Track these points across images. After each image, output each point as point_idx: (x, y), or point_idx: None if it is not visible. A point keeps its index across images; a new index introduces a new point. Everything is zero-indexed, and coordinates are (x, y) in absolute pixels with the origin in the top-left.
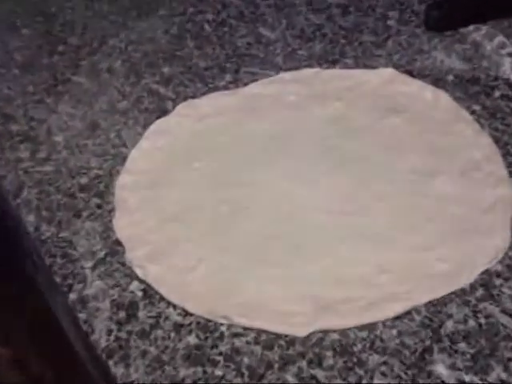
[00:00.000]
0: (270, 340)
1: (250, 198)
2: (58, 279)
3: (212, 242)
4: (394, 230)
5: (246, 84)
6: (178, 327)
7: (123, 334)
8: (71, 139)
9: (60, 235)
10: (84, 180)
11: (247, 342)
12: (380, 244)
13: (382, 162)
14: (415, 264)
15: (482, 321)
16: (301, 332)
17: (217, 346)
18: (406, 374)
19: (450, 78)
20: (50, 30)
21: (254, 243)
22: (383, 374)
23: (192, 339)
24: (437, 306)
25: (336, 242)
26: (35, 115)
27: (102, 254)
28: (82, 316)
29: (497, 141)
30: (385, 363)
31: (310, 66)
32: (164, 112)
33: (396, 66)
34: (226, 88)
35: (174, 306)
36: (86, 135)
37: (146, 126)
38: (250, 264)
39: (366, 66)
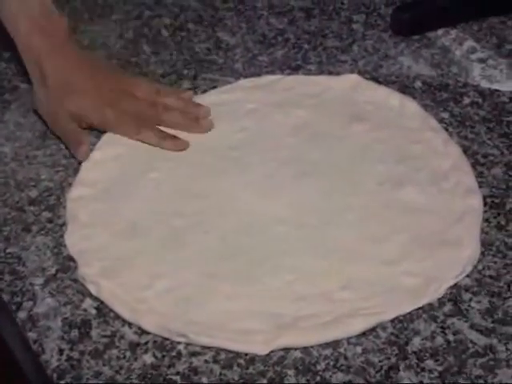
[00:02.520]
0: (229, 359)
1: (209, 210)
2: (5, 297)
3: (168, 257)
4: (360, 243)
5: (204, 91)
6: (133, 346)
7: (75, 354)
8: (19, 150)
9: (8, 251)
10: (33, 193)
11: (205, 361)
12: (345, 258)
13: (347, 172)
14: (381, 278)
15: (450, 337)
16: (261, 350)
17: (174, 366)
18: None
19: (418, 84)
20: None
21: (211, 258)
22: None
23: (148, 358)
24: (403, 322)
25: (298, 256)
26: None
27: (52, 271)
28: (31, 335)
29: (465, 150)
30: (349, 382)
31: (271, 72)
32: None
33: (361, 72)
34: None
35: (130, 324)
36: (36, 145)
37: (99, 136)
38: (209, 280)
39: (330, 72)
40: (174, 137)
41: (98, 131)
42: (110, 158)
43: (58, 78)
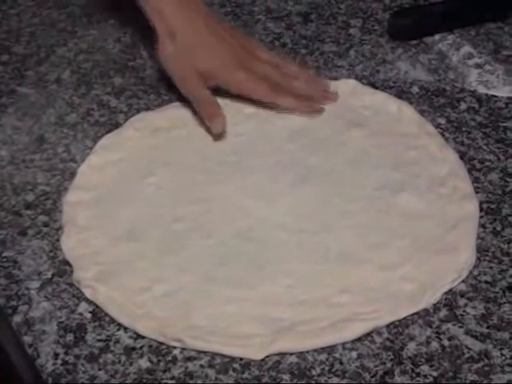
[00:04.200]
0: (224, 363)
1: (207, 214)
2: (1, 301)
3: (166, 262)
4: (357, 249)
5: None
6: (128, 350)
7: (71, 358)
8: (16, 154)
9: (4, 254)
10: (30, 197)
11: (201, 366)
12: (342, 263)
13: (345, 178)
14: (378, 284)
15: (446, 342)
16: (256, 355)
17: (169, 370)
18: None
19: (415, 89)
20: None
21: (210, 263)
22: None
23: (143, 363)
24: (399, 328)
25: (296, 261)
26: None
27: (48, 275)
28: (27, 339)
29: (462, 155)
30: None
31: None
32: (115, 125)
33: (358, 77)
34: (181, 100)
35: (125, 329)
36: (33, 149)
37: (96, 140)
38: (206, 284)
39: (327, 77)
40: (308, 99)
41: (96, 135)
42: (107, 163)
43: (185, 35)
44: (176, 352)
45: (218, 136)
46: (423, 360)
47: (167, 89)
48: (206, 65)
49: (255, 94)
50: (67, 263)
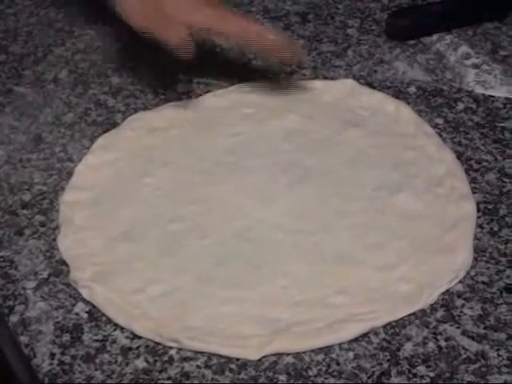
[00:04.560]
0: (220, 364)
1: (205, 215)
2: None
3: (163, 262)
4: (355, 249)
5: (199, 95)
6: (125, 351)
7: (67, 358)
8: (13, 153)
9: (0, 254)
10: (27, 196)
11: (197, 366)
12: (339, 263)
13: (343, 178)
14: (375, 284)
15: (442, 343)
16: (253, 355)
17: (166, 371)
18: None
19: (412, 89)
20: None
21: (207, 263)
22: None
23: (140, 363)
24: (395, 328)
25: (294, 261)
26: None
27: (45, 274)
28: (23, 339)
29: (459, 156)
30: None
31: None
32: (113, 125)
33: (356, 77)
34: (178, 99)
35: (122, 329)
36: (30, 149)
37: (93, 140)
38: (204, 285)
39: (324, 77)
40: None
41: (93, 135)
42: (104, 163)
43: None
44: (172, 352)
45: (212, 132)
46: (420, 361)
47: (165, 88)
48: (173, 5)
49: (227, 26)
50: (64, 263)
